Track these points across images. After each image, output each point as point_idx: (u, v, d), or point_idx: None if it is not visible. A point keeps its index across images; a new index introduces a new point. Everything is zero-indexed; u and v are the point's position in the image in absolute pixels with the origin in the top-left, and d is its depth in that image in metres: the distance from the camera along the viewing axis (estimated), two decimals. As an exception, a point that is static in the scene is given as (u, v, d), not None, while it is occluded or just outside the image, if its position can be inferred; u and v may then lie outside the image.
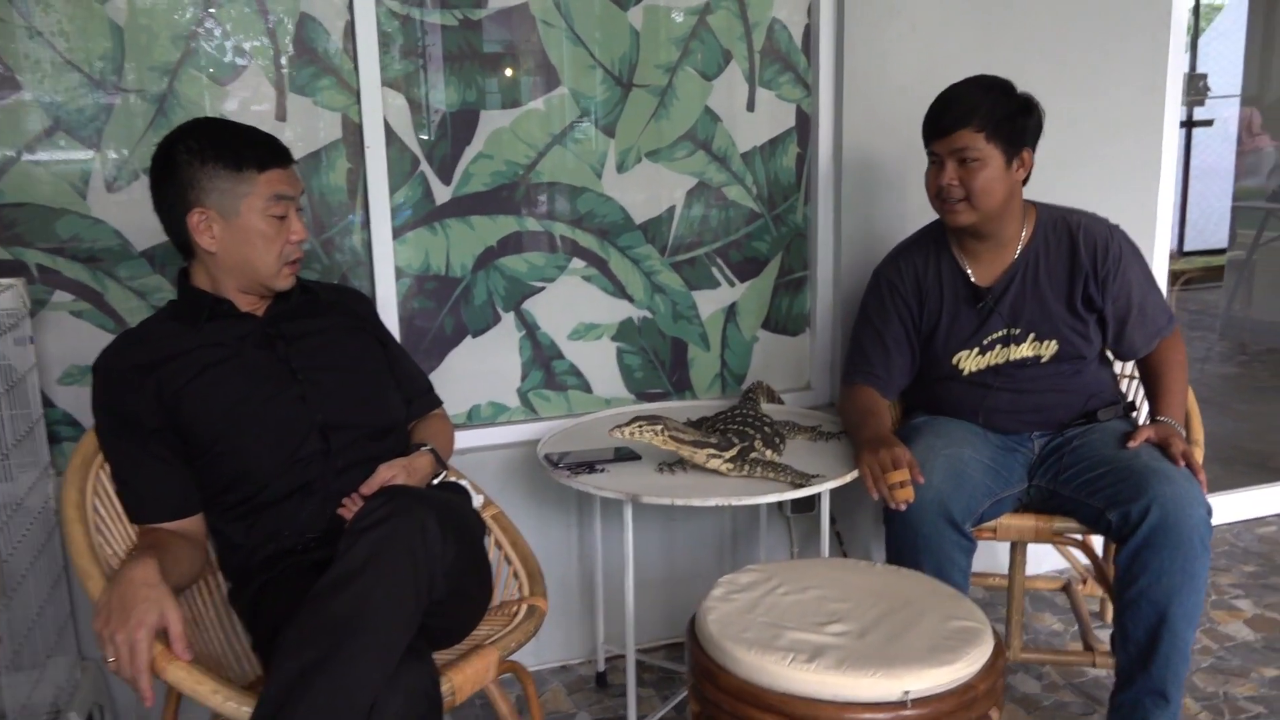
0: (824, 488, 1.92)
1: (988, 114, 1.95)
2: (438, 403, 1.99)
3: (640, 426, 1.87)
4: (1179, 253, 7.90)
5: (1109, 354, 2.21)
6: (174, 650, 1.36)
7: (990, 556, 2.63)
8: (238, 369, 1.66)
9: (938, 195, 2.03)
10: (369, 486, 1.63)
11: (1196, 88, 7.04)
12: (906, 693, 1.40)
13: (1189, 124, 7.05)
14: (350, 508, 1.62)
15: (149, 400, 1.60)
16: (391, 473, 1.65)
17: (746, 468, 1.93)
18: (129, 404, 1.60)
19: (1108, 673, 2.24)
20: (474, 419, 2.37)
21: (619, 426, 1.88)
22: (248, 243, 1.64)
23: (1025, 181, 2.05)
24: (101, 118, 2.00)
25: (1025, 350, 2.10)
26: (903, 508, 1.89)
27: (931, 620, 1.55)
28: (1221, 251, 6.74)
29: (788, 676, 1.43)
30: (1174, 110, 2.77)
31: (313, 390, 1.69)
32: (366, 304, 1.95)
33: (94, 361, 1.63)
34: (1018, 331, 2.09)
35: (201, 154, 1.61)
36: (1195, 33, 7.87)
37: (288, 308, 1.75)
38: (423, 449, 1.76)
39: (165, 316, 1.71)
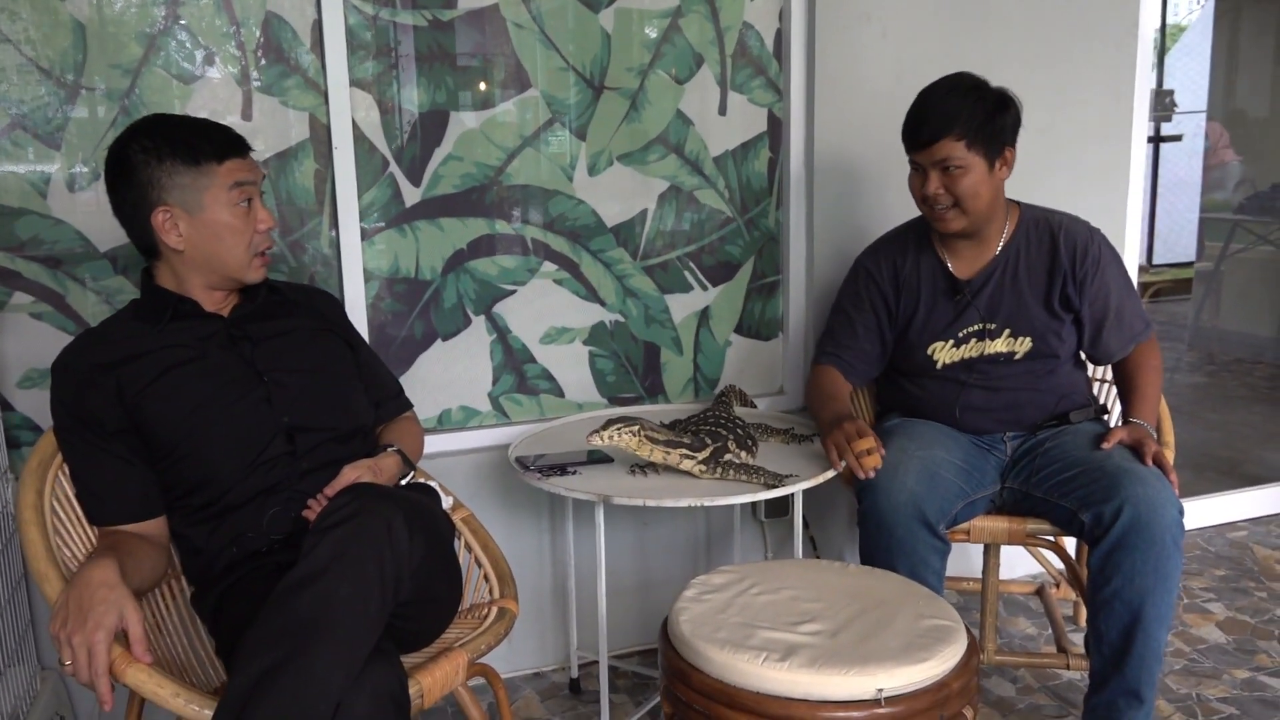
0: (797, 488, 1.91)
1: (967, 121, 1.95)
2: (408, 406, 1.96)
3: (618, 429, 1.85)
4: (1148, 265, 7.98)
5: (1084, 357, 2.22)
6: (134, 653, 1.33)
7: (964, 560, 2.62)
8: (201, 370, 1.63)
9: (924, 202, 2.04)
10: (333, 488, 1.59)
11: (1164, 103, 7.13)
12: (880, 691, 1.39)
13: (1157, 139, 7.14)
14: (315, 509, 1.59)
15: (110, 400, 1.57)
16: (357, 473, 1.62)
17: (719, 469, 1.92)
18: (89, 404, 1.56)
19: (1081, 675, 2.24)
20: (445, 423, 2.35)
21: (595, 432, 1.84)
22: (216, 237, 1.61)
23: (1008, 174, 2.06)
24: (63, 117, 1.97)
25: (999, 346, 2.10)
26: (871, 474, 1.92)
27: (905, 619, 1.55)
28: (1190, 265, 6.81)
29: (760, 675, 1.42)
30: (1142, 121, 2.80)
31: (278, 392, 1.66)
32: (335, 305, 1.91)
33: (54, 360, 1.60)
34: (993, 326, 2.10)
35: (158, 152, 1.57)
36: (1162, 50, 7.99)
37: (254, 308, 1.72)
38: (389, 449, 1.73)
39: (128, 316, 1.67)
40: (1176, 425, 2.30)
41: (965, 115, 1.95)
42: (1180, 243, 8.21)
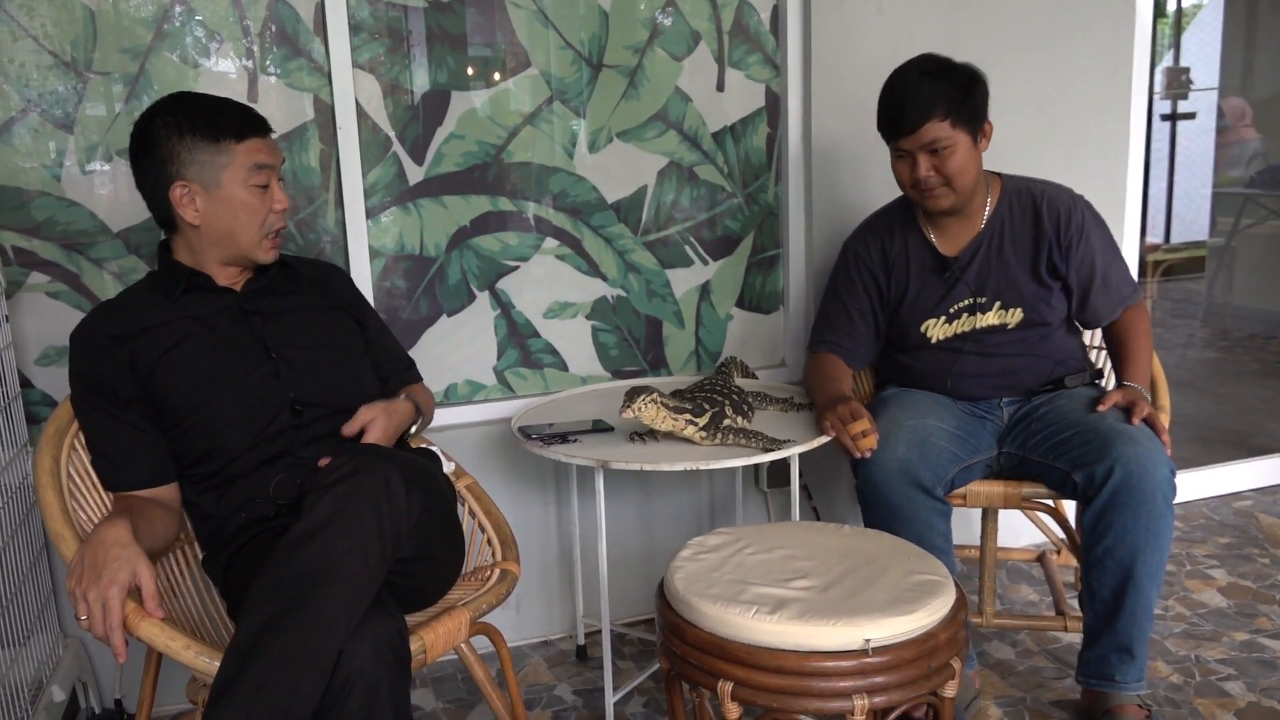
0: (794, 451, 1.95)
1: (948, 101, 1.97)
2: (418, 378, 2.01)
3: (644, 401, 1.87)
4: (1166, 245, 7.93)
5: (1075, 322, 2.24)
6: (146, 607, 1.38)
7: (964, 528, 2.65)
8: (212, 343, 1.68)
9: (914, 187, 2.05)
10: (349, 427, 1.66)
11: (1179, 81, 7.09)
12: (867, 641, 1.42)
13: (1174, 116, 7.10)
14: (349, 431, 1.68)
15: (123, 369, 1.62)
16: (372, 414, 1.68)
17: (719, 435, 1.96)
18: (104, 373, 1.62)
19: (1080, 638, 2.27)
20: (451, 397, 2.40)
21: (626, 405, 1.87)
22: (231, 214, 1.66)
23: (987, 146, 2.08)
24: (74, 100, 2.03)
25: (991, 318, 2.13)
26: (867, 454, 1.95)
27: (894, 575, 1.58)
28: (1203, 244, 6.78)
29: (751, 628, 1.45)
30: (1141, 94, 2.81)
31: (286, 368, 1.71)
32: (346, 279, 1.96)
33: (72, 331, 1.66)
34: (984, 300, 2.13)
35: (179, 127, 1.62)
36: (1178, 28, 7.93)
37: (266, 283, 1.77)
38: (403, 397, 1.79)
39: (144, 289, 1.73)
40: (1188, 400, 2.32)
41: (944, 95, 1.97)
42: (1199, 221, 8.16)
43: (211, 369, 1.66)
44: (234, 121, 1.65)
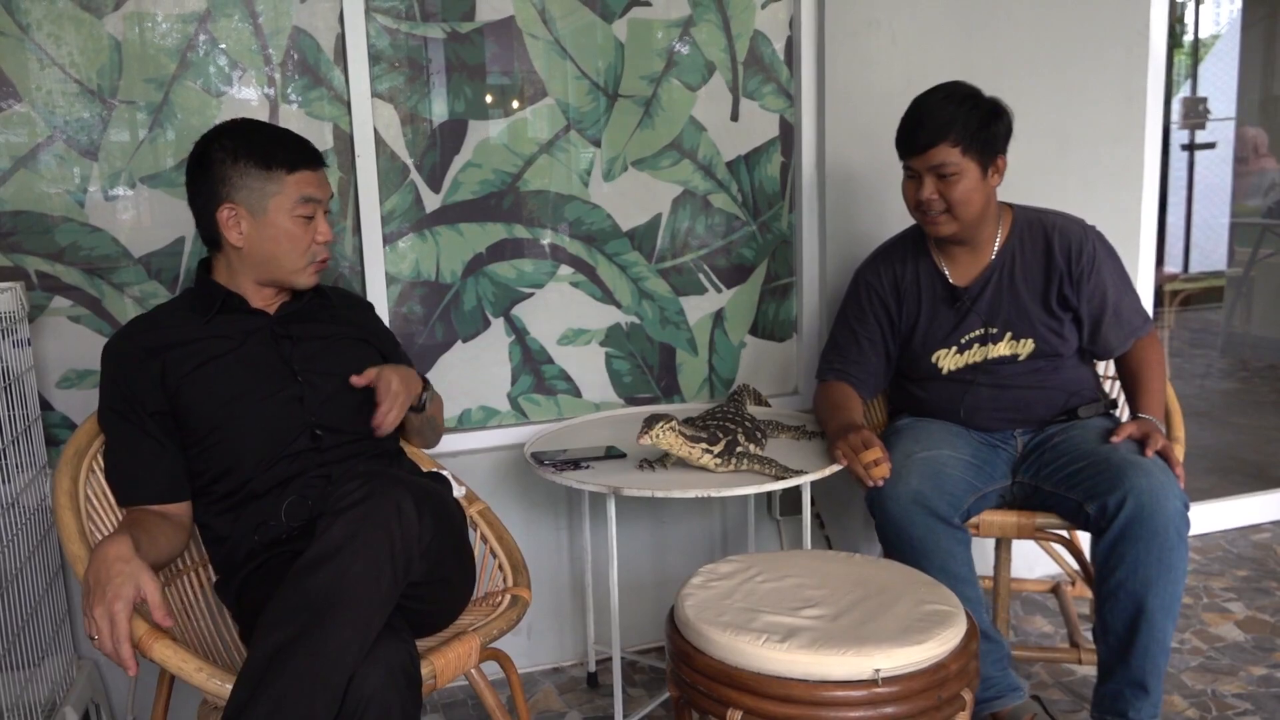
0: (806, 479, 1.95)
1: (962, 128, 1.98)
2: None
3: (662, 428, 1.89)
4: (1185, 275, 7.90)
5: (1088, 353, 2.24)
6: (154, 617, 1.39)
7: (978, 559, 2.63)
8: (240, 363, 1.71)
9: (918, 208, 2.07)
10: (361, 379, 1.73)
11: (1197, 110, 7.08)
12: (877, 671, 1.42)
13: (1191, 146, 7.09)
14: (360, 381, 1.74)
15: (153, 382, 1.65)
16: (381, 369, 1.74)
17: (733, 461, 1.96)
18: (133, 384, 1.65)
19: (1095, 670, 2.25)
20: (464, 423, 2.41)
21: (645, 432, 1.88)
22: (274, 240, 1.70)
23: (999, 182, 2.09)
24: (99, 128, 2.06)
25: (1002, 349, 2.13)
26: (880, 483, 1.95)
27: (905, 604, 1.58)
28: (1221, 274, 6.76)
29: (761, 656, 1.45)
30: (1155, 123, 2.81)
31: (311, 393, 1.73)
32: (374, 316, 1.98)
33: (105, 344, 1.70)
34: (995, 330, 2.13)
35: (235, 152, 1.67)
36: (1195, 57, 7.94)
37: (299, 309, 1.80)
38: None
39: (179, 305, 1.77)
40: (1206, 431, 2.32)
41: (960, 122, 1.98)
42: (1217, 251, 8.13)
43: (238, 388, 1.69)
44: (288, 152, 1.70)
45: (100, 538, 1.62)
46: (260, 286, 1.76)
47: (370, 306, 2.00)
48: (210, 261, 1.77)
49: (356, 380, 1.73)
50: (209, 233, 1.73)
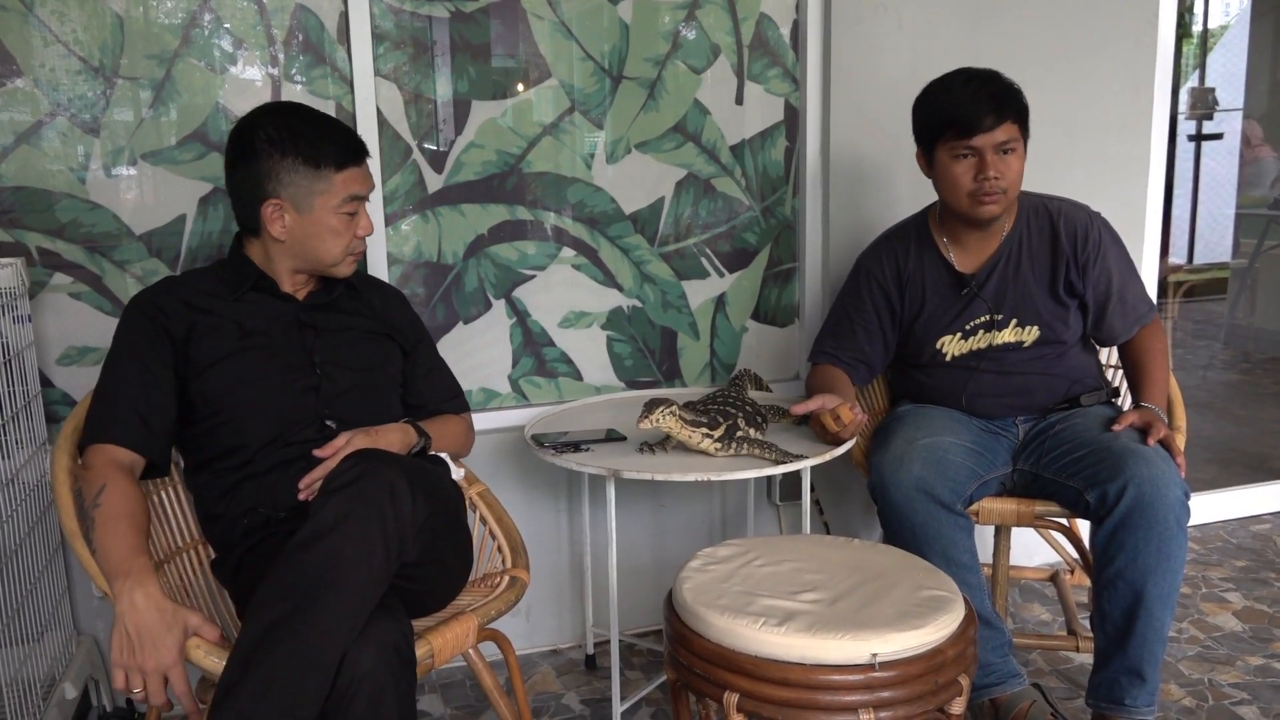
0: (806, 464, 1.95)
1: (1019, 104, 1.99)
2: (458, 410, 1.98)
3: (662, 412, 1.88)
4: (1189, 266, 7.89)
5: (1092, 340, 2.23)
6: (209, 639, 1.43)
7: (977, 546, 2.64)
8: (263, 345, 1.70)
9: (975, 191, 2.01)
10: (324, 450, 1.64)
11: (1205, 101, 7.05)
12: (874, 655, 1.42)
13: (1199, 137, 7.06)
14: (306, 483, 1.64)
15: (182, 333, 1.65)
16: (349, 437, 1.65)
17: (734, 445, 1.96)
18: (159, 332, 1.64)
19: (1092, 658, 2.25)
20: (465, 405, 2.41)
21: (644, 416, 1.87)
22: (317, 236, 1.70)
23: None
24: (101, 104, 2.05)
25: (1007, 336, 2.13)
26: (853, 432, 1.97)
27: (903, 590, 1.58)
28: (1226, 265, 6.75)
29: (758, 640, 1.45)
30: (1162, 114, 2.80)
31: (328, 385, 1.73)
32: (405, 307, 1.95)
33: (134, 296, 1.69)
34: (1000, 317, 2.12)
35: (282, 145, 1.65)
36: (1203, 48, 7.90)
37: (328, 300, 1.80)
38: (401, 422, 1.78)
39: (210, 275, 1.76)
40: (1208, 421, 2.32)
41: (1015, 99, 1.99)
42: (1222, 242, 8.11)
43: (256, 371, 1.68)
44: (338, 149, 1.68)
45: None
46: (294, 273, 1.75)
47: (402, 297, 1.97)
48: (243, 238, 1.76)
49: (320, 453, 1.64)
50: (249, 221, 1.71)
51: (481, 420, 2.38)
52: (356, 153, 1.71)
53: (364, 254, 1.78)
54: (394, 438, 1.72)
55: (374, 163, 2.21)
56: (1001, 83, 2.00)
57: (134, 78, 2.07)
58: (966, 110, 1.99)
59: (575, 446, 2.02)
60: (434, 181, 2.30)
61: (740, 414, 2.02)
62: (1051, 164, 2.63)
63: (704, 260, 2.53)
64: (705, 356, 2.58)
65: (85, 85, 2.04)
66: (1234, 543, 3.05)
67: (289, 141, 1.65)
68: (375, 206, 2.24)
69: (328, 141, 1.68)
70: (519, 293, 2.40)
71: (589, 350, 2.48)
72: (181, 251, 2.14)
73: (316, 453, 1.64)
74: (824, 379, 2.18)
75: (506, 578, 1.77)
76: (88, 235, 2.09)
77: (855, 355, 2.21)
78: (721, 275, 2.55)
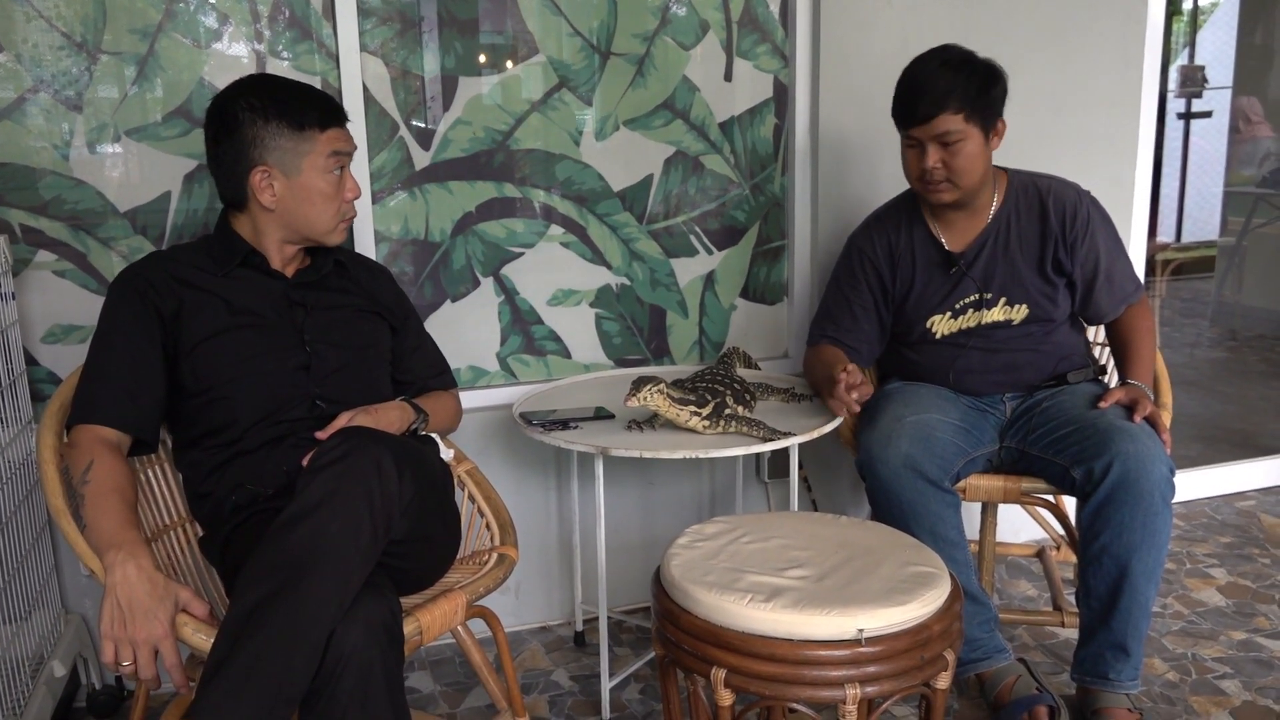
0: (794, 442, 1.95)
1: (964, 94, 1.96)
2: (446, 386, 1.98)
3: (650, 390, 1.89)
4: (1177, 244, 7.90)
5: (1079, 318, 2.24)
6: (200, 616, 1.43)
7: (965, 523, 2.66)
8: (253, 323, 1.69)
9: (920, 177, 2.04)
10: (325, 432, 1.63)
11: (1195, 79, 7.03)
12: (861, 631, 1.43)
13: (1188, 115, 7.05)
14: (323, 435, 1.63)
15: (170, 308, 1.64)
16: (350, 415, 1.66)
17: (721, 424, 1.96)
18: (157, 302, 1.63)
19: (1077, 633, 2.27)
20: (454, 383, 2.41)
21: (632, 394, 1.88)
22: (308, 200, 1.68)
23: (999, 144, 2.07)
24: (83, 80, 2.03)
25: (996, 314, 2.13)
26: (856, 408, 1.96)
27: (890, 566, 1.58)
28: (1214, 243, 6.76)
29: (746, 616, 1.46)
30: (1152, 91, 2.79)
31: (318, 363, 1.72)
32: (392, 284, 1.95)
33: (121, 271, 1.67)
34: (989, 296, 2.12)
35: (264, 112, 1.63)
36: (1193, 26, 7.88)
37: (317, 277, 1.78)
38: (398, 400, 1.78)
39: (198, 250, 1.74)
40: (1194, 399, 2.32)
41: (961, 87, 1.96)
42: (1210, 220, 8.12)
43: (246, 349, 1.67)
44: (319, 109, 1.68)
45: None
46: (284, 245, 1.73)
47: (388, 274, 1.96)
48: (229, 215, 1.74)
49: (321, 435, 1.61)
50: (234, 193, 1.69)
51: (470, 398, 2.38)
52: (337, 114, 1.71)
53: (353, 221, 1.76)
54: (393, 415, 1.72)
55: (360, 139, 2.21)
56: (950, 73, 1.96)
57: (117, 53, 2.05)
58: (906, 101, 2.00)
59: (564, 424, 2.02)
60: (421, 159, 2.28)
61: (728, 392, 2.03)
62: (1040, 142, 2.63)
63: (693, 238, 2.53)
64: (694, 334, 2.58)
65: (68, 61, 2.02)
66: (1219, 519, 3.07)
67: (270, 107, 1.64)
68: (364, 187, 2.22)
69: (309, 104, 1.67)
70: (507, 270, 2.39)
71: (577, 328, 2.48)
72: (167, 229, 2.13)
73: (318, 435, 1.63)
74: (825, 358, 2.17)
75: (495, 555, 1.78)
76: (71, 212, 2.07)
77: (855, 336, 2.21)
78: (710, 253, 2.55)
